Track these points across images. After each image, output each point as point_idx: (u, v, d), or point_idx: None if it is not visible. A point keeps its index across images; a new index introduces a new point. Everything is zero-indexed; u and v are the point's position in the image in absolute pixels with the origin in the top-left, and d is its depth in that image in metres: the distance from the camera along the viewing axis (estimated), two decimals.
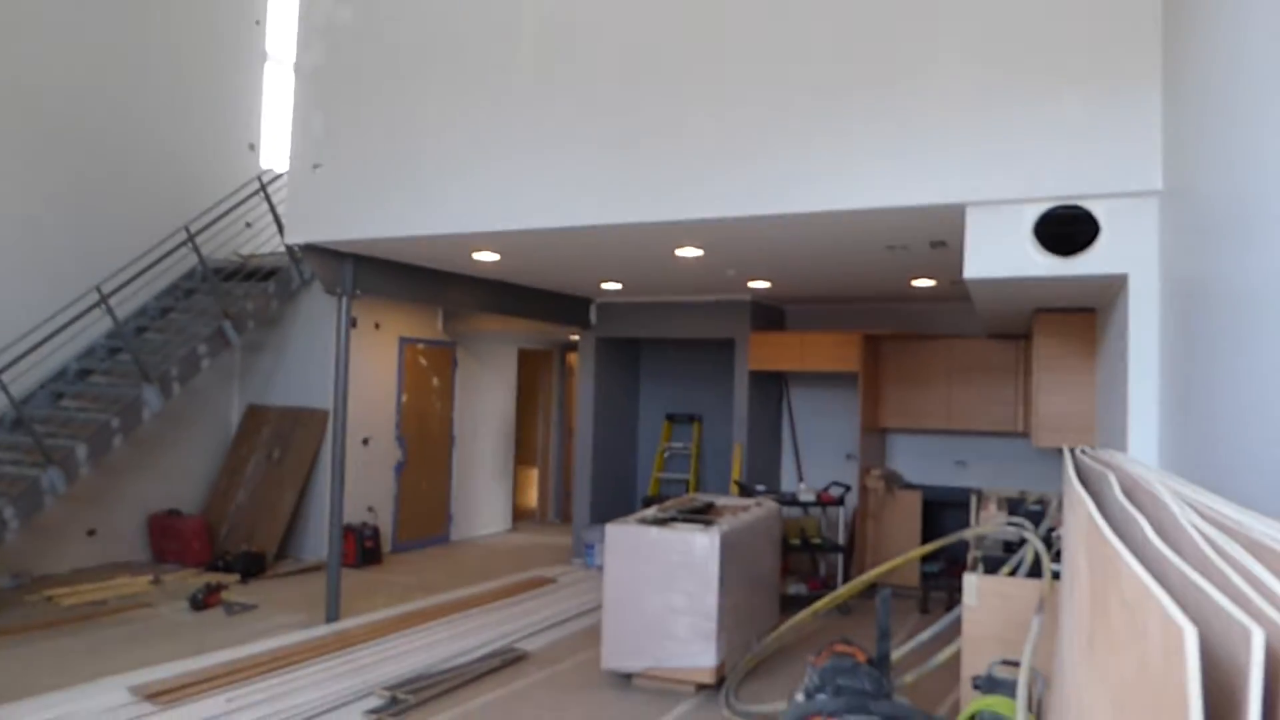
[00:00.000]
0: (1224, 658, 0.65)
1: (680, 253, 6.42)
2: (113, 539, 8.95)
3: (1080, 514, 1.40)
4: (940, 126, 4.51)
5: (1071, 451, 2.64)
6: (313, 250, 6.67)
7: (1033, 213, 4.41)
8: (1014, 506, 6.74)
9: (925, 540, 8.66)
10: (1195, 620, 0.64)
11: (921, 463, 9.40)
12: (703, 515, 6.45)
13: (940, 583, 8.38)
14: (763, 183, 4.91)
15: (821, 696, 3.94)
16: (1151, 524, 1.00)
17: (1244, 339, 2.61)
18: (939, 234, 5.39)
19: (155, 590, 7.97)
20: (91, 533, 8.75)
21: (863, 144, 4.68)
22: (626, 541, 5.78)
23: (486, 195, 5.74)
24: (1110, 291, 4.84)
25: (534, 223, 5.61)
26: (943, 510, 9.06)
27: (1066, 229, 4.38)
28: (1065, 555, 2.40)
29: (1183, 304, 3.61)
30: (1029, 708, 3.63)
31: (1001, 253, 4.47)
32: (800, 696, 4.06)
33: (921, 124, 4.55)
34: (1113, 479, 1.45)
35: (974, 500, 8.63)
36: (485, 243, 6.38)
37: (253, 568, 8.54)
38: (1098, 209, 4.30)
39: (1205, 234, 3.31)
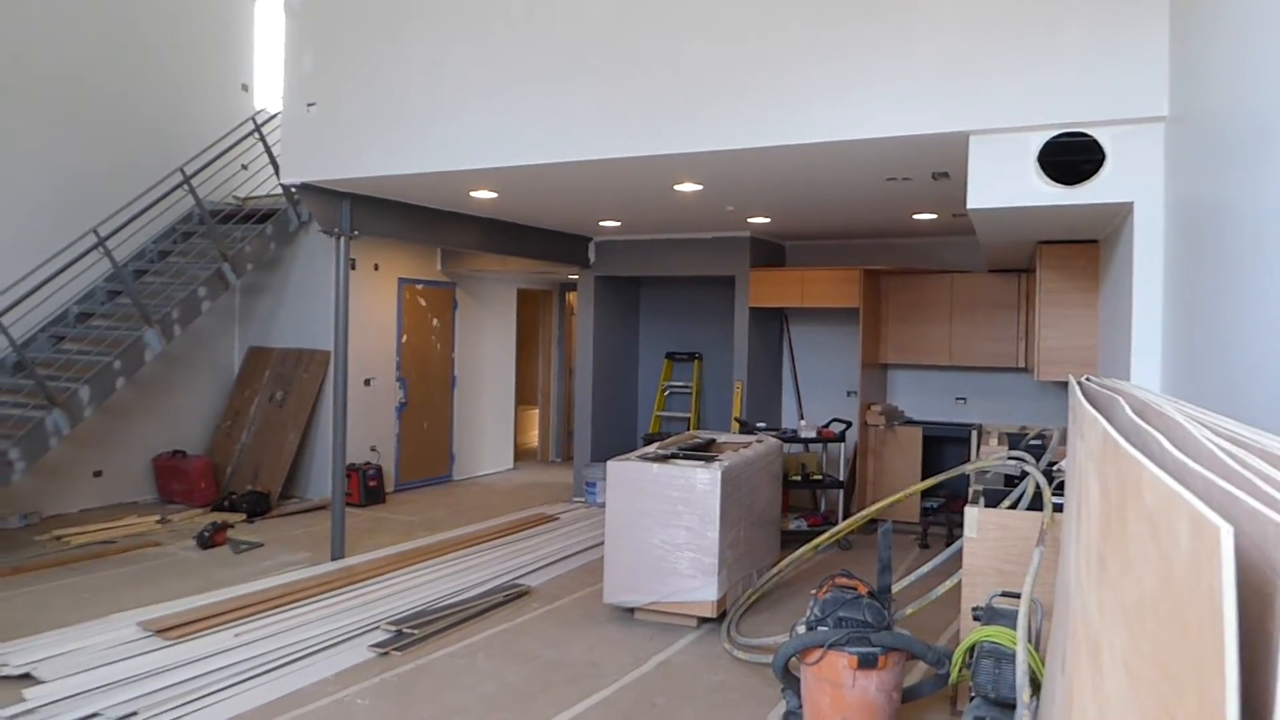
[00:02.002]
0: (1252, 562, 0.64)
1: (679, 188, 6.34)
2: (119, 480, 9.01)
3: (1093, 434, 1.39)
4: (942, 53, 4.42)
5: (1078, 380, 2.63)
6: (309, 190, 6.59)
7: (1037, 141, 4.34)
8: (1015, 441, 6.76)
9: (925, 476, 8.72)
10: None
11: (922, 399, 9.41)
12: (704, 452, 6.47)
13: (940, 518, 8.45)
14: (761, 114, 4.83)
15: (823, 628, 4.00)
16: (1168, 440, 0.99)
17: (1252, 263, 2.59)
18: (941, 165, 5.32)
19: (163, 529, 8.05)
20: (98, 474, 8.80)
21: (863, 73, 4.58)
22: (628, 478, 5.81)
23: (482, 131, 5.66)
24: (1115, 221, 4.80)
25: (531, 158, 5.54)
26: (943, 446, 9.10)
27: (1071, 157, 4.32)
28: (1070, 483, 2.40)
29: (1188, 230, 3.56)
30: (1029, 638, 3.68)
31: (1005, 182, 4.41)
32: (802, 628, 4.11)
33: (922, 51, 4.46)
34: (1123, 402, 1.44)
35: (974, 435, 8.67)
36: (482, 180, 6.30)
37: (258, 507, 8.61)
38: (1103, 136, 4.23)
39: (1213, 159, 3.25)
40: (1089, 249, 5.85)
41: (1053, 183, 4.33)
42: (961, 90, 4.38)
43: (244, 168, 9.82)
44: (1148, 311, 4.10)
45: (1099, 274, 5.82)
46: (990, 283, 8.64)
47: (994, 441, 6.88)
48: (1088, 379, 2.79)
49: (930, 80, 4.44)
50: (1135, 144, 4.15)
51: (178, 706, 4.31)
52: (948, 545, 7.98)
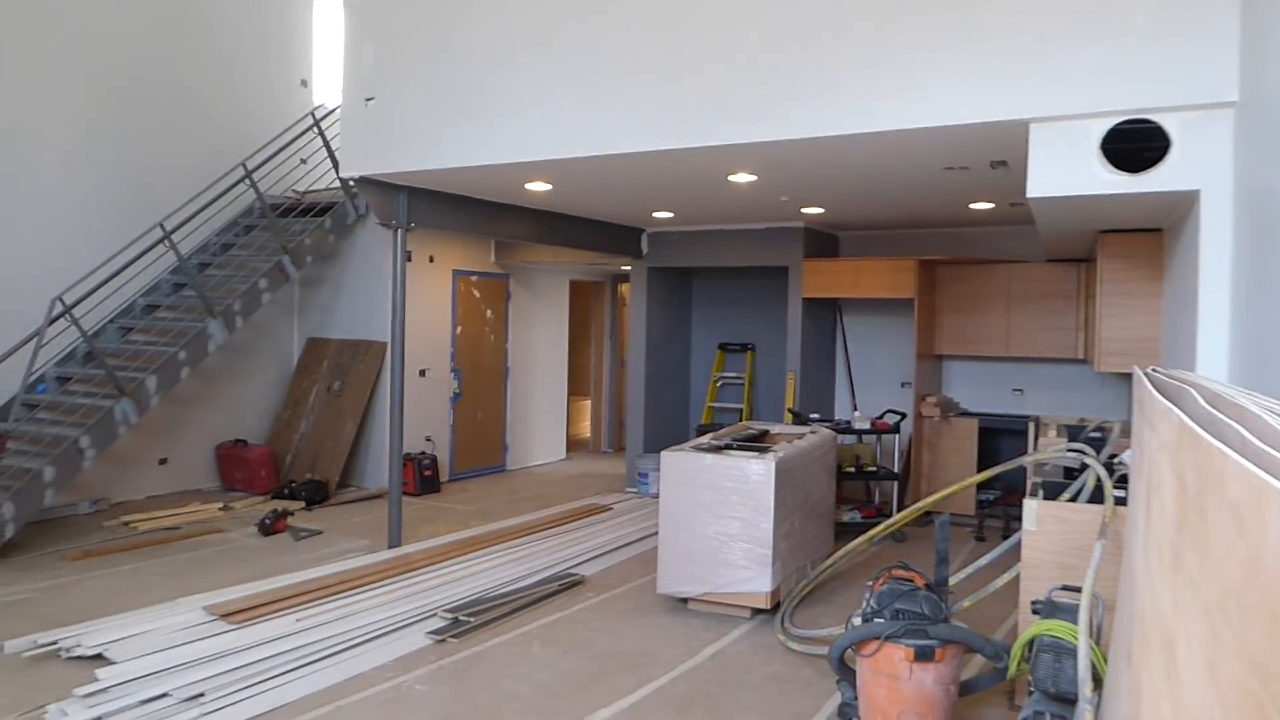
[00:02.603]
0: None
1: (733, 178, 6.33)
2: (183, 467, 9.26)
3: (1165, 425, 1.37)
4: (1002, 39, 4.35)
5: (1144, 370, 2.59)
6: (367, 183, 6.70)
7: (1099, 128, 4.25)
8: (1074, 433, 6.65)
9: (981, 468, 8.61)
10: None
11: (978, 390, 9.29)
12: (757, 443, 6.46)
13: (996, 511, 8.35)
14: (818, 103, 4.80)
15: (880, 620, 3.98)
16: (1247, 430, 0.97)
17: None
18: (1000, 153, 5.24)
19: (225, 516, 8.25)
20: (163, 461, 9.05)
21: (921, 60, 4.53)
22: (682, 468, 5.82)
23: (538, 124, 5.69)
24: (1180, 209, 4.69)
25: (587, 150, 5.56)
26: (999, 438, 8.97)
27: (1135, 145, 4.23)
28: (1136, 475, 2.36)
29: (1258, 220, 3.47)
30: (1090, 632, 3.62)
31: (1067, 171, 4.33)
32: (858, 620, 4.09)
33: (982, 37, 4.39)
34: (1194, 393, 1.41)
35: (1032, 428, 8.54)
36: (537, 172, 6.34)
37: (317, 495, 8.79)
38: (1169, 122, 4.13)
39: None
40: (1152, 238, 5.72)
41: (1116, 170, 4.24)
42: (1022, 77, 4.31)
43: (303, 162, 10.00)
44: (1214, 302, 4.00)
45: (1163, 263, 5.69)
46: (1048, 272, 8.48)
47: (1052, 434, 6.77)
48: (1154, 370, 2.74)
49: (990, 68, 4.37)
50: (1203, 131, 4.04)
51: (243, 688, 4.43)
52: (1004, 539, 7.88)
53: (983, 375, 9.28)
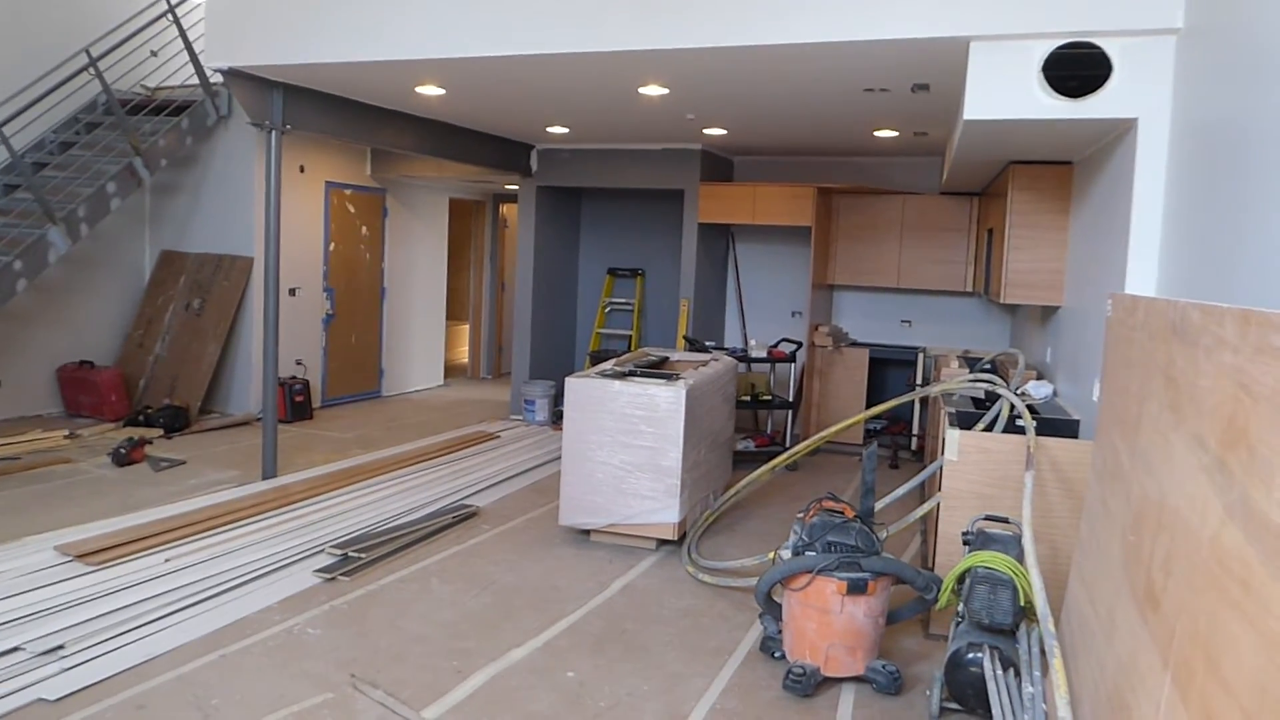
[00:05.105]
0: None
1: (644, 90, 5.96)
2: (20, 391, 8.34)
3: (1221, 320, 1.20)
4: None
5: (1124, 297, 2.47)
6: (237, 76, 6.01)
7: (1041, 50, 4.12)
8: (971, 366, 6.72)
9: (870, 397, 8.69)
10: None
11: (867, 321, 9.33)
12: (659, 370, 6.24)
13: (883, 440, 8.46)
14: (750, 10, 4.49)
15: (811, 553, 3.85)
16: None
17: (1266, 180, 2.48)
18: (926, 75, 5.08)
19: (72, 445, 7.49)
20: None
21: None
22: (588, 395, 5.55)
23: (437, 17, 5.17)
24: (1104, 140, 4.64)
25: (492, 50, 5.09)
26: (887, 368, 9.08)
27: (1075, 70, 4.12)
28: (1134, 380, 2.24)
29: (1197, 148, 3.42)
30: (1021, 562, 3.59)
31: (1006, 94, 4.19)
32: (787, 553, 3.96)
33: None
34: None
35: (920, 358, 8.66)
36: (432, 73, 5.81)
37: (176, 422, 8.09)
38: (1111, 48, 4.03)
39: (1228, 75, 3.09)
40: (1061, 170, 5.71)
41: (1056, 95, 4.12)
42: None
43: (153, 54, 8.99)
44: (1146, 230, 3.96)
45: (1070, 197, 5.70)
46: (942, 205, 8.52)
47: (954, 364, 6.84)
48: (1117, 295, 2.63)
49: None
50: (1144, 57, 3.96)
51: (111, 638, 3.96)
52: (892, 468, 8.00)
53: (872, 306, 9.33)
